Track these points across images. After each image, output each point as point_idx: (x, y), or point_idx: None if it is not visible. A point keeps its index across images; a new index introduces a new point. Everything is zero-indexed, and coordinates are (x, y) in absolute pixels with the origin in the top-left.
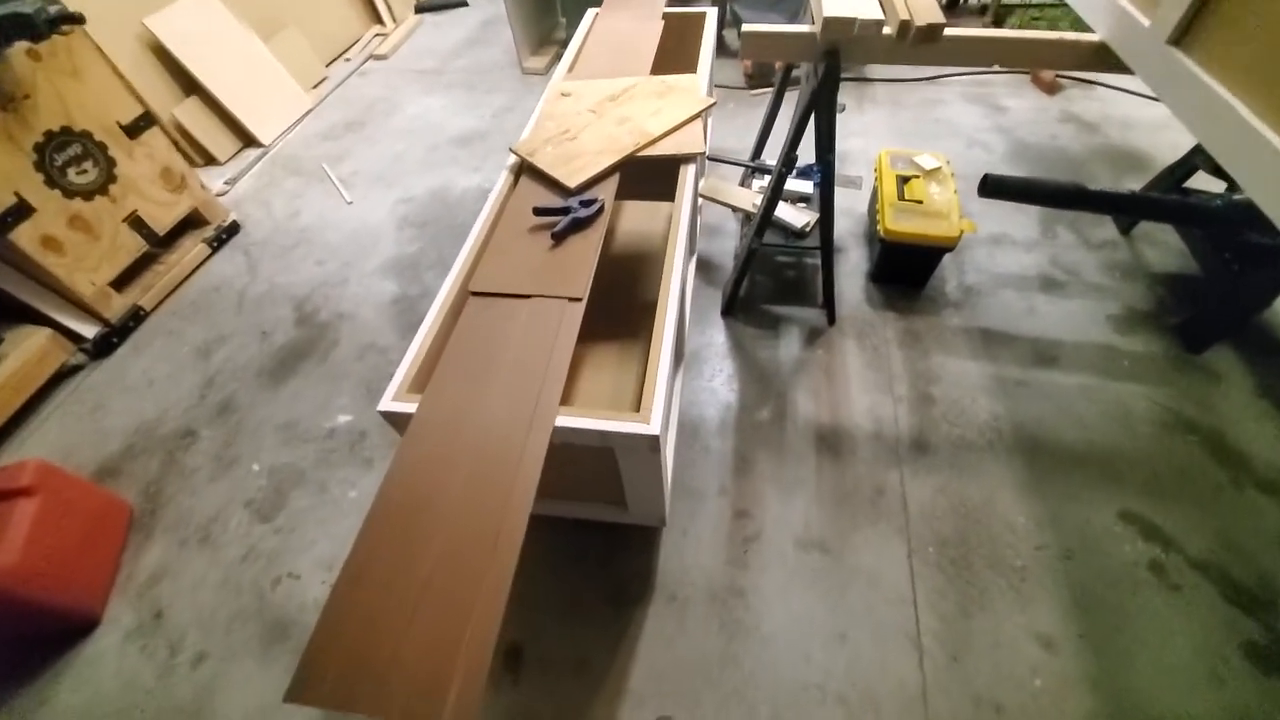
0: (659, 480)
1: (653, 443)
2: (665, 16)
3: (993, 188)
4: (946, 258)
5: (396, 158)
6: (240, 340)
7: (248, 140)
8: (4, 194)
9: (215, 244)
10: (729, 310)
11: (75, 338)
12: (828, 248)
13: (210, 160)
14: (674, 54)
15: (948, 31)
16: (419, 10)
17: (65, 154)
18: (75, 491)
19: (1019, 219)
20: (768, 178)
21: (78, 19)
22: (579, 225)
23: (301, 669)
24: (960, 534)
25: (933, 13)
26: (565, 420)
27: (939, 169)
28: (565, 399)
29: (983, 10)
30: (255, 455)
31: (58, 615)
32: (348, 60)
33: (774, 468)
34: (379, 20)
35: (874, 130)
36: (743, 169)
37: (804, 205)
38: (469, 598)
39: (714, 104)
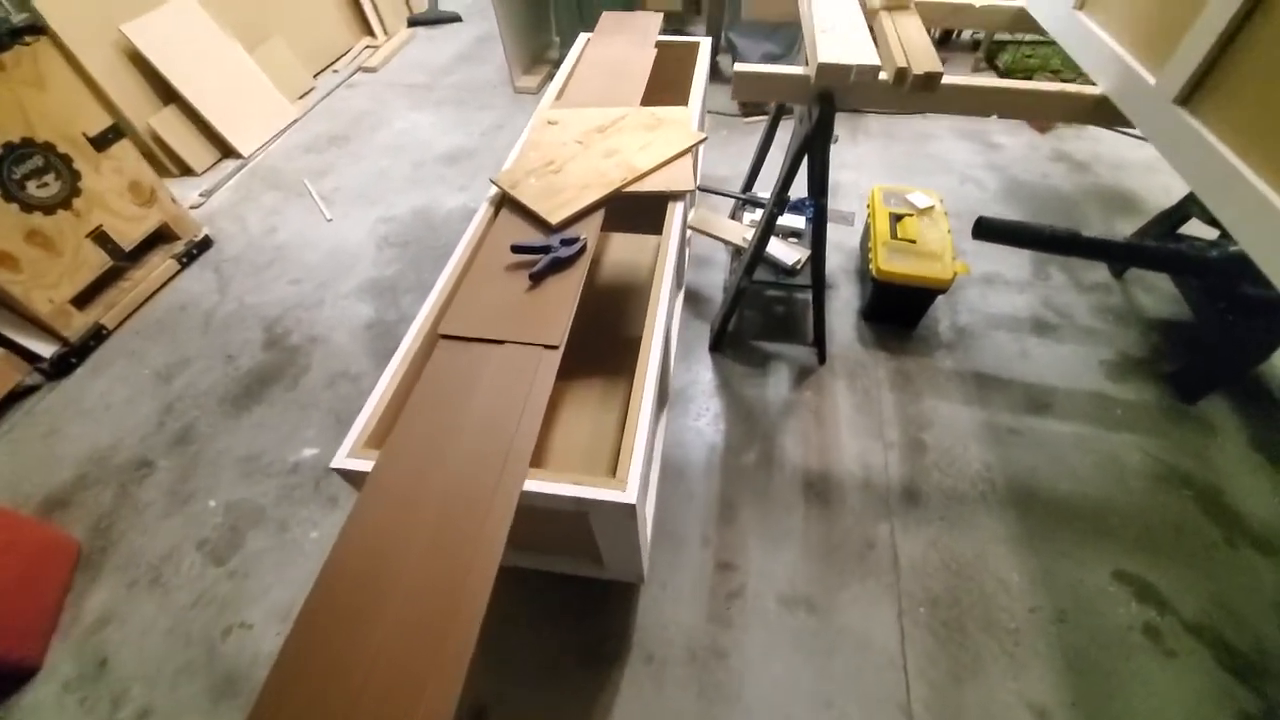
0: (635, 543)
1: (629, 511)
2: (658, 44)
3: (986, 231)
4: (944, 302)
5: (381, 174)
6: (204, 364)
7: (226, 151)
8: None
9: (185, 260)
10: (717, 346)
11: (31, 357)
12: (819, 287)
13: (186, 171)
14: (666, 83)
15: (946, 80)
16: (412, 24)
17: (25, 166)
18: (15, 528)
19: (1011, 259)
20: (759, 211)
21: (40, 30)
22: (559, 265)
23: None
24: (953, 593)
25: (930, 60)
26: (535, 485)
27: (932, 207)
28: (540, 450)
29: (975, 46)
30: (213, 490)
31: None
32: (336, 72)
33: (759, 516)
34: (370, 32)
35: (867, 163)
36: (734, 200)
37: (795, 240)
38: (423, 673)
39: (705, 139)
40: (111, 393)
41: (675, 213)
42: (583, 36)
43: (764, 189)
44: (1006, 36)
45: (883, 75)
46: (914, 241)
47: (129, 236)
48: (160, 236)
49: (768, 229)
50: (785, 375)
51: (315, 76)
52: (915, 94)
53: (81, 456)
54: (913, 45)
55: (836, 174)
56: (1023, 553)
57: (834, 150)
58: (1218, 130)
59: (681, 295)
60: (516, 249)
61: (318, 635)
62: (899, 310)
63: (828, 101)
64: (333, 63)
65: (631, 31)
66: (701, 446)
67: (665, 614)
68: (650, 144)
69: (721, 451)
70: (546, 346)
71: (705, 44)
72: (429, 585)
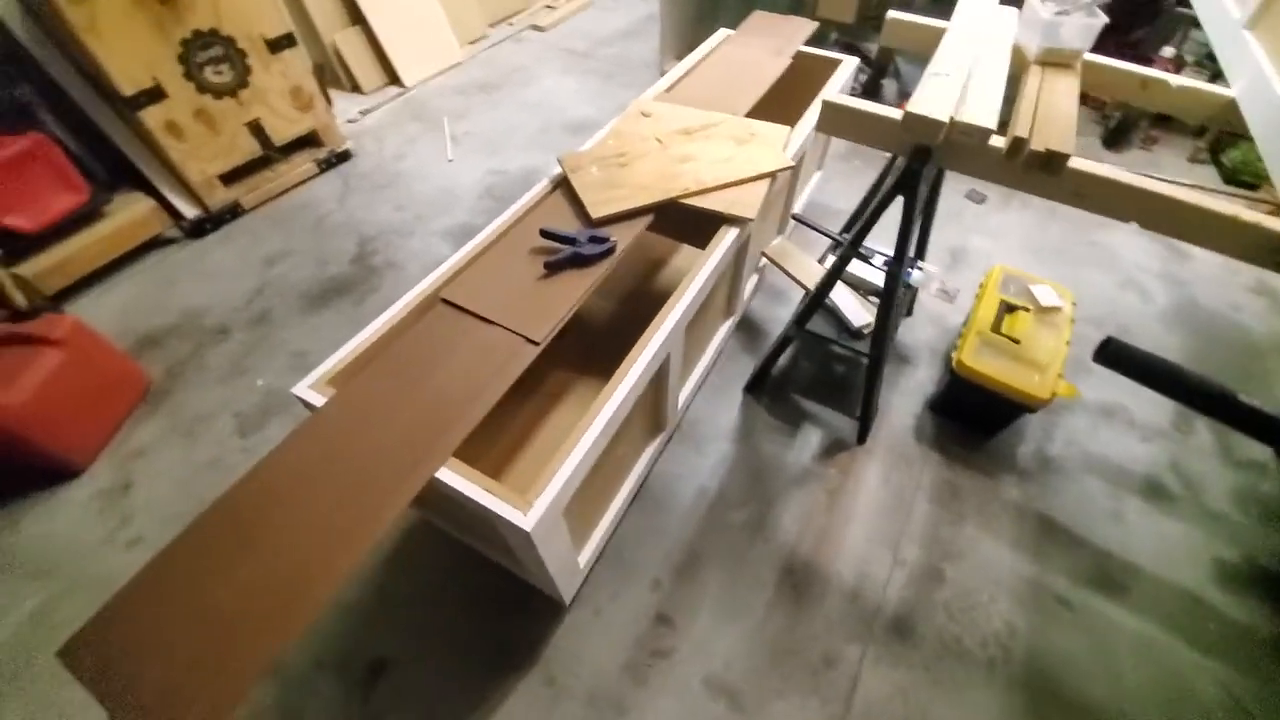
0: (542, 565)
1: (525, 536)
2: (799, 55)
3: (1112, 356)
4: (1038, 421)
5: (510, 128)
6: (301, 260)
7: (393, 78)
8: (144, 77)
9: (324, 165)
10: (754, 388)
11: (176, 215)
12: (876, 359)
13: (356, 88)
14: (790, 96)
15: (1076, 164)
16: None
17: (207, 53)
18: (101, 354)
19: (1148, 394)
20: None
21: None
22: (579, 262)
23: (84, 631)
24: None
25: (1061, 137)
26: (447, 475)
27: (1058, 309)
28: (517, 436)
29: (1200, 132)
30: (262, 371)
31: (48, 458)
32: (510, 24)
33: (722, 581)
34: None
35: (1008, 235)
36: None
37: (875, 300)
38: (261, 627)
39: (792, 167)
40: (225, 263)
41: (726, 237)
42: (723, 32)
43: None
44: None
45: (995, 141)
46: (1018, 341)
47: (281, 134)
48: (309, 140)
49: (831, 279)
50: (815, 442)
51: (491, 26)
52: (1031, 173)
53: (182, 309)
54: (1050, 114)
55: (966, 238)
56: None
57: (976, 213)
58: None
59: (731, 324)
60: (545, 234)
61: (196, 553)
62: (974, 414)
63: (920, 158)
64: (511, 15)
65: (774, 36)
66: (693, 487)
67: (584, 643)
68: (732, 158)
69: (711, 499)
70: (528, 340)
71: (848, 63)
72: (305, 542)
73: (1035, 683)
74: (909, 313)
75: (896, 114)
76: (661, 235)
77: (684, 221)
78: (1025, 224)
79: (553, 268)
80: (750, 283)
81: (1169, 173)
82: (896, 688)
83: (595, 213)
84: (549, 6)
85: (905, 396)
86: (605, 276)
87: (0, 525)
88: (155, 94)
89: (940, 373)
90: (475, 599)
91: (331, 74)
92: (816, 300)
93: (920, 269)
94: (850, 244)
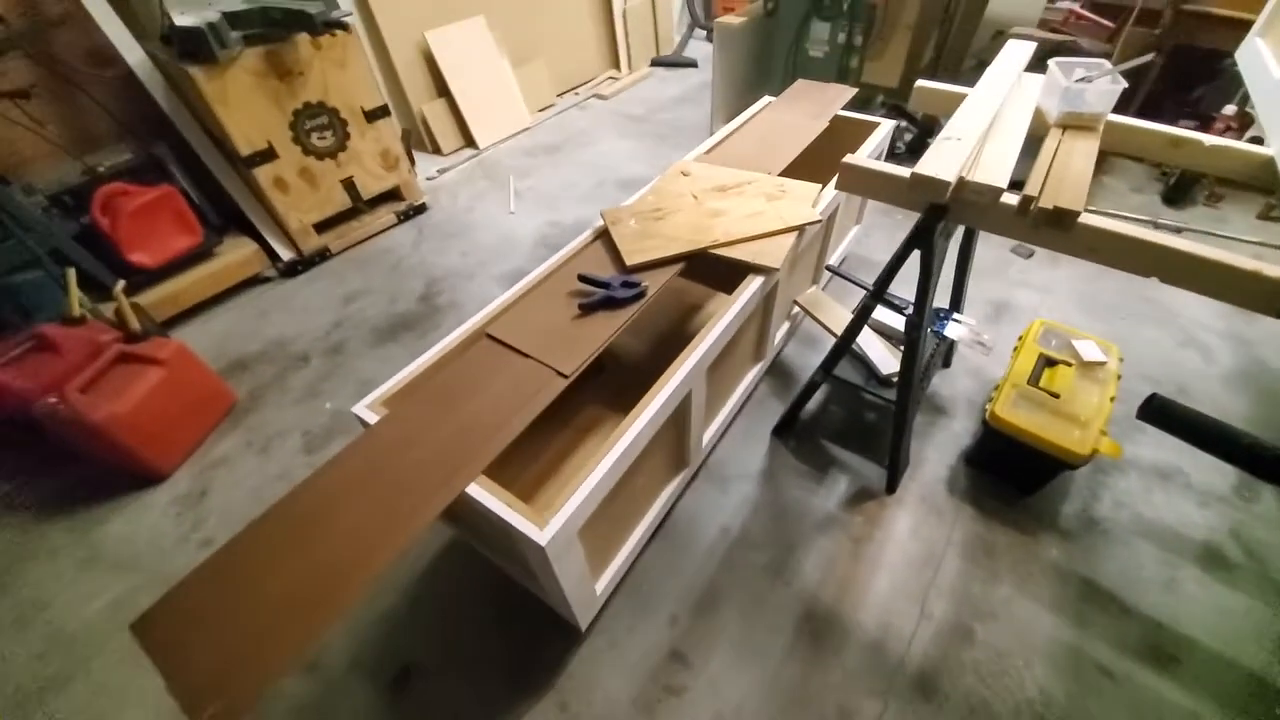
0: (558, 584)
1: (540, 551)
2: (837, 119)
3: (1157, 413)
4: (1083, 478)
5: (567, 185)
6: (376, 298)
7: (469, 141)
8: (260, 140)
9: (402, 217)
10: (782, 431)
11: (274, 257)
12: (903, 406)
13: (437, 150)
14: (826, 157)
15: (1089, 220)
16: (654, 64)
17: (314, 121)
18: (196, 375)
19: (1208, 457)
20: (891, 311)
21: (345, 26)
22: (611, 304)
23: (155, 609)
24: None
25: (1071, 195)
26: (475, 490)
27: (1103, 364)
28: (548, 462)
29: (1271, 190)
30: (333, 395)
31: (139, 462)
32: (576, 94)
33: (739, 623)
34: (616, 66)
35: (1058, 290)
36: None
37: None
38: (302, 615)
39: (818, 221)
40: (312, 299)
41: (751, 285)
42: (766, 99)
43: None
44: None
45: (1007, 199)
46: (1057, 396)
47: (369, 189)
48: (392, 195)
49: (856, 326)
50: (842, 489)
51: (559, 95)
52: (1042, 229)
53: (271, 338)
54: (1063, 173)
55: (1012, 293)
56: None
57: (1023, 267)
58: None
59: (760, 368)
60: (582, 279)
61: (251, 550)
62: (1010, 469)
63: (934, 214)
64: (577, 86)
65: (814, 102)
66: (715, 525)
67: (598, 673)
68: (762, 213)
69: (733, 539)
70: (558, 373)
71: (884, 126)
72: (346, 547)
73: None
74: (946, 364)
75: (905, 173)
76: (695, 283)
77: (715, 270)
78: (1075, 279)
79: (587, 309)
80: (782, 330)
81: (1235, 229)
82: None
83: (630, 260)
84: (612, 77)
85: (939, 449)
86: (635, 318)
87: (91, 523)
88: (268, 155)
89: (976, 425)
90: (500, 619)
91: (417, 138)
92: (842, 346)
93: (957, 321)
94: (873, 293)
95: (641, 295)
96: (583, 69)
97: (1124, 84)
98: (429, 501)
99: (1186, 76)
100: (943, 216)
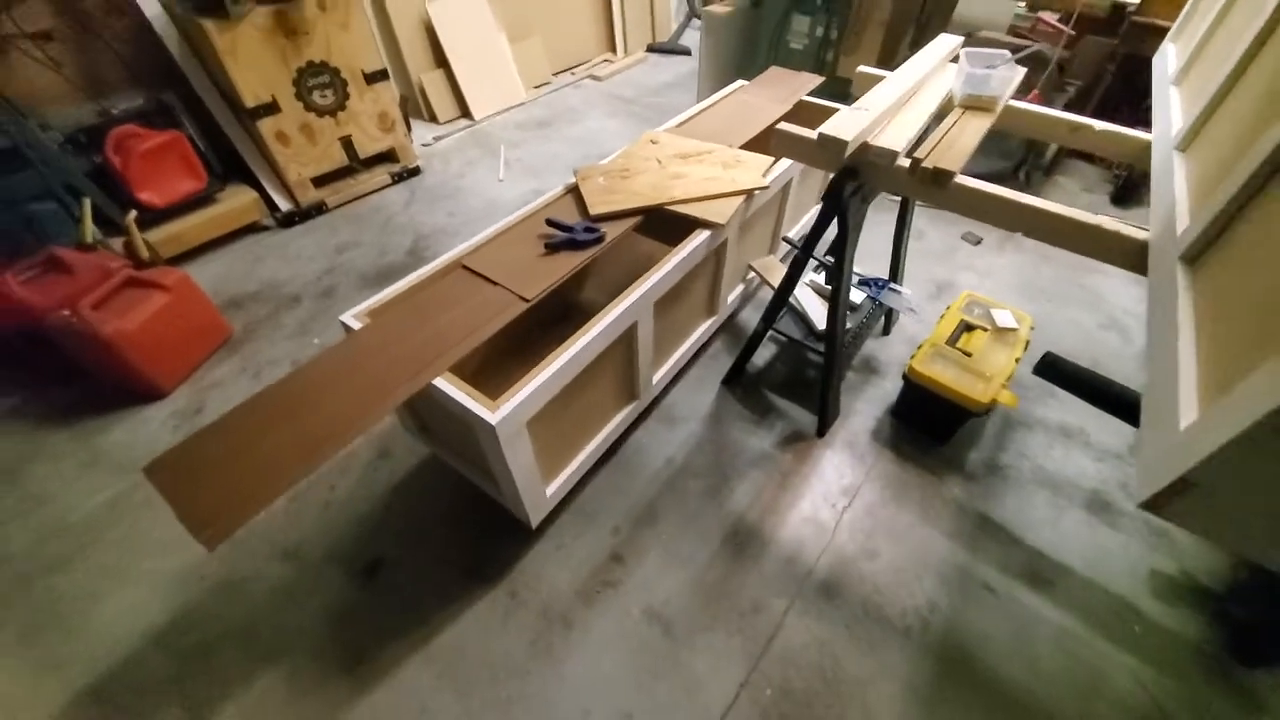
0: (508, 471)
1: (491, 431)
2: (801, 104)
3: (1048, 368)
4: (991, 429)
5: (554, 157)
6: (366, 250)
7: (465, 112)
8: (265, 94)
9: (396, 178)
10: (730, 381)
11: (273, 207)
12: (829, 357)
13: (433, 118)
14: None
15: (962, 181)
16: (649, 50)
17: (317, 80)
18: (197, 304)
19: (1111, 421)
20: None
21: None
22: (573, 245)
23: (165, 455)
24: (809, 695)
25: (950, 159)
26: (440, 383)
27: (1014, 330)
28: (503, 387)
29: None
30: (321, 333)
31: (142, 378)
32: (572, 74)
33: (673, 534)
34: (612, 49)
35: (1000, 274)
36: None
37: (848, 312)
38: (287, 465)
39: (764, 187)
40: (305, 248)
41: (698, 237)
42: (739, 82)
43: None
44: None
45: (901, 161)
46: (970, 355)
47: (366, 149)
48: (387, 156)
49: (789, 281)
50: (777, 431)
51: (556, 74)
52: (927, 187)
53: (266, 280)
54: (951, 143)
55: (958, 274)
56: (912, 704)
57: (970, 253)
58: (1193, 296)
59: (712, 322)
60: (549, 223)
61: (253, 413)
62: (927, 419)
63: (850, 176)
64: (574, 66)
65: (783, 88)
66: (661, 458)
67: (546, 569)
68: (716, 178)
69: (677, 468)
70: (521, 297)
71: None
72: (327, 417)
73: (948, 654)
74: (886, 332)
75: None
76: (656, 241)
77: (670, 226)
78: (1018, 265)
79: (552, 248)
80: (736, 291)
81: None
82: (815, 638)
83: (593, 210)
84: (607, 60)
85: (870, 404)
86: (594, 258)
87: (95, 429)
88: (272, 108)
89: None
90: (464, 523)
91: (414, 105)
92: (780, 298)
93: (893, 290)
94: (802, 249)
95: (600, 240)
96: (580, 50)
97: (1020, 71)
98: (400, 388)
99: (1142, 83)
100: (853, 178)
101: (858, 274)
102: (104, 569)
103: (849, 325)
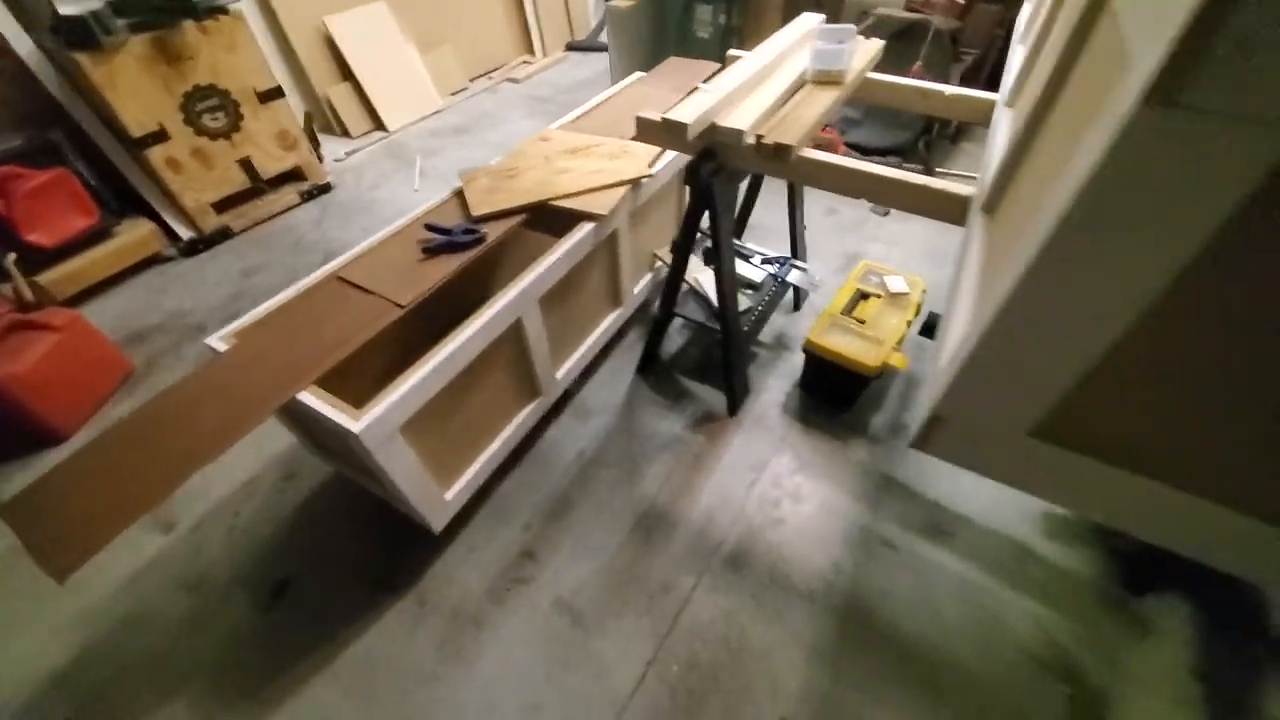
0: (390, 479)
1: (353, 438)
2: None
3: (927, 327)
4: (895, 391)
5: (472, 163)
6: (274, 272)
7: (378, 124)
8: (150, 122)
9: (306, 196)
10: (644, 369)
11: (174, 236)
12: (727, 335)
13: (346, 132)
14: None
15: (806, 153)
16: (569, 48)
17: (206, 103)
18: (92, 342)
19: None
20: (756, 260)
21: (224, 10)
22: (452, 248)
23: (22, 492)
24: (714, 667)
25: (790, 133)
26: (305, 396)
27: (906, 294)
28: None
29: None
30: None
31: (39, 422)
32: (490, 78)
33: (584, 525)
34: (530, 50)
35: (908, 243)
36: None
37: (750, 292)
38: (147, 488)
39: (649, 175)
40: (210, 275)
41: (581, 230)
42: (637, 74)
43: (757, 242)
44: None
45: (748, 140)
46: (863, 322)
47: (268, 169)
48: (294, 175)
49: (678, 265)
50: (690, 414)
51: (473, 80)
52: (770, 161)
53: (169, 311)
54: (793, 118)
55: (865, 246)
56: (818, 667)
57: (878, 224)
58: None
59: (619, 313)
60: (428, 227)
61: (114, 441)
62: (829, 388)
63: (708, 157)
64: (490, 71)
65: (680, 77)
66: (573, 451)
67: (457, 572)
68: (602, 170)
69: (588, 460)
70: (396, 304)
71: None
72: (202, 427)
73: (851, 613)
74: (797, 308)
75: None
76: (544, 234)
77: (558, 222)
78: (925, 233)
79: (430, 252)
80: (643, 281)
81: None
82: (721, 611)
83: (475, 211)
84: (525, 61)
85: (780, 379)
86: (474, 259)
87: None
88: (159, 136)
89: None
90: (371, 536)
91: (323, 120)
92: (671, 285)
93: (798, 267)
94: (683, 233)
95: (481, 240)
96: (495, 54)
97: (873, 43)
98: (262, 406)
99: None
100: (710, 158)
101: (762, 253)
102: (1, 619)
103: (751, 304)
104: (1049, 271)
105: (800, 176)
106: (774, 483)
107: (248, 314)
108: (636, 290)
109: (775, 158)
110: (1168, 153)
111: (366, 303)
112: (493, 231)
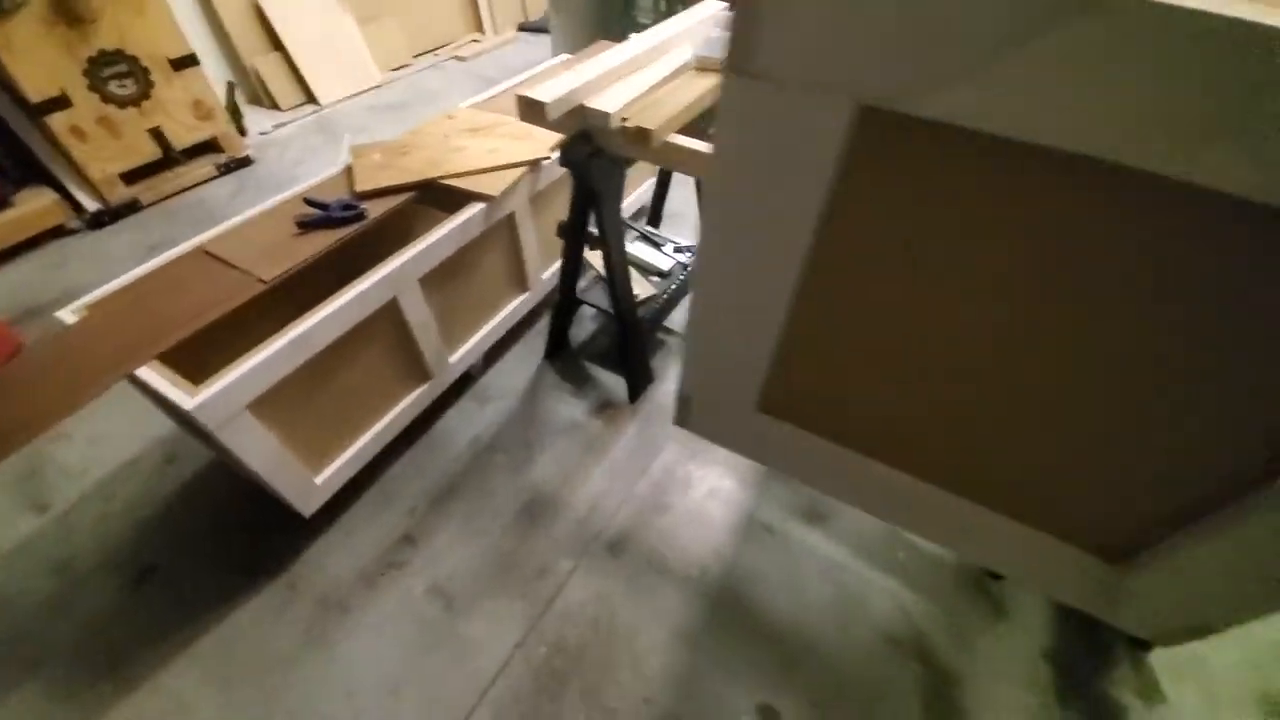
0: (238, 459)
1: (191, 418)
2: None
3: None
4: None
5: None
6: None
7: (311, 97)
8: (51, 88)
9: (223, 169)
10: (552, 355)
11: (79, 208)
12: (622, 322)
13: (275, 105)
14: None
15: (672, 139)
16: (521, 29)
17: (113, 69)
18: None
19: None
20: (667, 245)
21: None
22: (329, 224)
23: None
24: (581, 648)
25: (655, 119)
26: (143, 371)
27: None
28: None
29: None
30: None
31: None
32: (436, 55)
33: (469, 510)
34: (480, 29)
35: None
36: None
37: (657, 279)
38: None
39: (548, 158)
40: (116, 249)
41: (468, 211)
42: (562, 56)
43: (672, 231)
44: None
45: (614, 124)
46: None
47: (182, 140)
48: (211, 146)
49: (570, 251)
50: (591, 401)
51: (416, 56)
52: (635, 145)
53: (67, 287)
54: (662, 103)
55: None
56: (683, 648)
57: None
58: None
59: (525, 297)
60: (307, 201)
61: None
62: None
63: (586, 140)
64: (438, 48)
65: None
66: (469, 435)
67: (331, 557)
68: (498, 150)
69: (482, 445)
70: (258, 279)
71: None
72: (42, 395)
73: (724, 597)
74: None
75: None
76: (440, 214)
77: (453, 201)
78: None
79: (305, 227)
80: (555, 265)
81: None
82: (595, 594)
83: (359, 187)
84: (475, 40)
85: None
86: (351, 236)
87: None
88: (61, 102)
89: None
90: (245, 520)
91: (251, 91)
92: (566, 269)
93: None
94: (568, 222)
95: (360, 217)
96: (444, 30)
97: None
98: (97, 381)
99: None
100: (587, 141)
101: (674, 241)
102: None
103: (657, 292)
104: (714, 247)
105: (661, 160)
106: (665, 470)
107: (102, 286)
108: (546, 275)
109: (638, 141)
110: (766, 118)
111: (228, 277)
112: (376, 209)
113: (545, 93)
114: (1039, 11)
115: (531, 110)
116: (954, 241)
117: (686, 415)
